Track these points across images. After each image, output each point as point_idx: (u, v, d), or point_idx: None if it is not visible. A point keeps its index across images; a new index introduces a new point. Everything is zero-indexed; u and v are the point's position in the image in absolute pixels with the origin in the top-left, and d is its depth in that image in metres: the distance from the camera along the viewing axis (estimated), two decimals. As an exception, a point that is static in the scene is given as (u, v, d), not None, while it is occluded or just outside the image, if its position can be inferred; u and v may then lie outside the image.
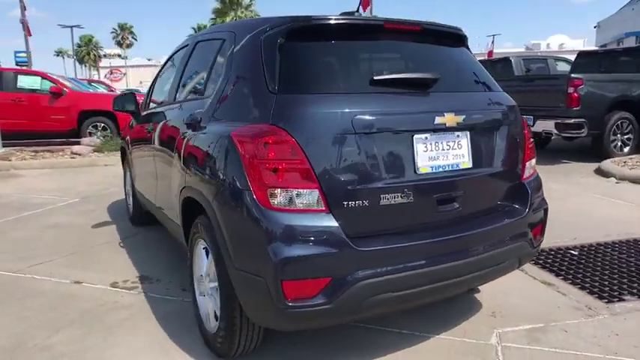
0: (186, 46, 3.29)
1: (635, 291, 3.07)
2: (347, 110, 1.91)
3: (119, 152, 8.87)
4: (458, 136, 2.16)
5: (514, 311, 2.82)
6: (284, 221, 1.82)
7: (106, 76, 68.26)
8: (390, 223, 2.00)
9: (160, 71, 3.96)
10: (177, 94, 3.10)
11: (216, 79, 2.45)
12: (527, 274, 3.35)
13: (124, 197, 5.74)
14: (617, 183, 6.11)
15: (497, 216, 2.30)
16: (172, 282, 3.27)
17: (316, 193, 1.85)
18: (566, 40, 64.48)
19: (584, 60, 9.33)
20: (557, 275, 3.35)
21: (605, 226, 4.36)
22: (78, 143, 9.83)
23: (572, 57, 10.19)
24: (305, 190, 1.85)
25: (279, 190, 1.84)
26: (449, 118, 2.08)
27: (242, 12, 43.41)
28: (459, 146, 2.16)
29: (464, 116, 2.13)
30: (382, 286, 1.91)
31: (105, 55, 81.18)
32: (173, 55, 3.69)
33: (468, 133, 2.18)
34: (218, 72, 2.48)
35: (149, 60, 79.96)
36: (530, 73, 10.52)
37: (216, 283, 2.27)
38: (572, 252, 3.77)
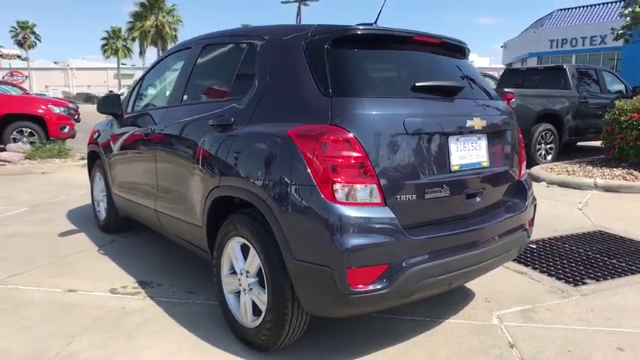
0: (187, 48, 3.30)
1: (592, 276, 3.55)
2: (399, 112, 2.12)
3: (55, 159, 8.43)
4: (479, 138, 2.44)
5: (503, 297, 3.16)
6: (348, 214, 1.97)
7: (4, 77, 62.58)
8: (432, 214, 2.23)
9: (145, 74, 3.89)
10: (185, 96, 3.10)
11: (248, 81, 2.54)
12: (502, 266, 3.74)
13: (78, 205, 5.51)
14: (547, 187, 6.88)
15: (506, 209, 2.61)
16: (174, 285, 3.24)
17: (375, 187, 2.03)
18: (475, 58, 69.81)
19: (509, 76, 10.35)
20: (527, 265, 3.77)
21: (550, 223, 4.93)
22: (2, 150, 9.05)
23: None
24: (365, 185, 2.01)
25: (343, 185, 1.99)
26: (476, 122, 2.36)
27: (163, 16, 42.04)
28: (480, 147, 2.45)
29: (486, 121, 2.42)
30: (430, 271, 2.12)
31: (1, 56, 74.25)
32: (165, 58, 3.66)
33: (486, 135, 2.48)
34: (248, 75, 2.57)
35: (56, 63, 74.44)
36: None
37: (256, 279, 2.35)
38: (532, 246, 4.24)
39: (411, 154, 2.14)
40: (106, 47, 61.28)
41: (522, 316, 2.87)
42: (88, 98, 47.19)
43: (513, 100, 7.77)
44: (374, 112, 2.09)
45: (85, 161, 8.39)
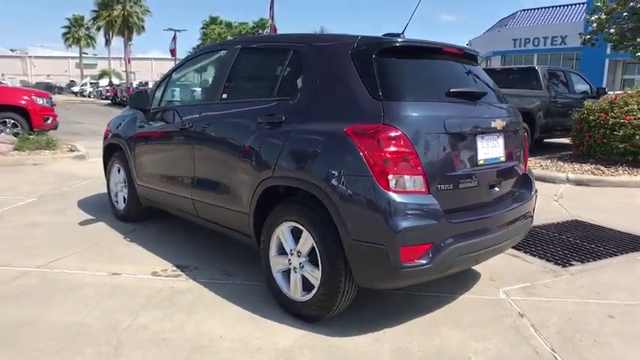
0: (222, 50, 3.57)
1: (577, 258, 4.04)
2: (439, 114, 2.50)
3: (44, 150, 8.41)
4: (498, 136, 2.84)
5: (504, 276, 3.60)
6: (400, 200, 2.33)
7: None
8: (464, 201, 2.62)
9: (172, 72, 4.10)
10: (225, 95, 3.35)
11: (296, 84, 2.85)
12: (499, 250, 4.20)
13: (85, 196, 5.66)
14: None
15: (516, 199, 3.03)
16: (210, 268, 3.51)
17: (421, 178, 2.39)
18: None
19: None
20: (519, 250, 4.23)
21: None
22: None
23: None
24: (414, 176, 2.38)
25: (395, 176, 2.34)
26: (498, 123, 2.77)
27: (131, 6, 41.06)
28: (498, 144, 2.85)
29: (504, 122, 2.83)
30: (463, 250, 2.51)
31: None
32: (195, 57, 3.89)
33: (503, 134, 2.88)
34: (295, 78, 2.87)
35: (13, 50, 71.45)
36: None
37: (305, 258, 2.68)
38: (521, 232, 4.73)
39: (449, 150, 2.52)
40: (67, 36, 59.27)
41: (525, 292, 3.31)
42: (47, 88, 45.68)
43: None
44: (419, 114, 2.45)
45: (77, 152, 8.47)
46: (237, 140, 3.08)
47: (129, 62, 45.59)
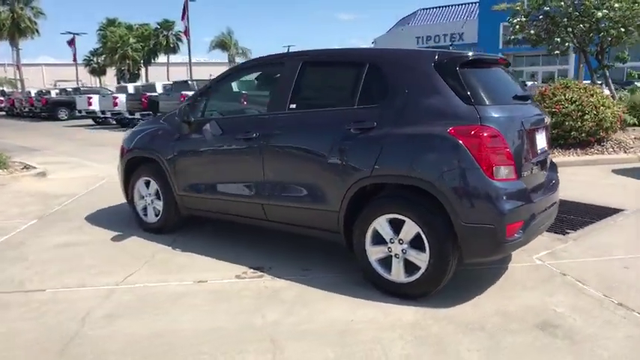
0: (277, 63, 3.89)
1: (568, 227, 4.84)
2: (517, 114, 3.06)
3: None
4: (542, 130, 3.47)
5: (527, 248, 4.25)
6: (503, 187, 2.85)
7: None
8: (534, 184, 3.21)
9: (213, 85, 4.27)
10: (293, 105, 3.61)
11: (380, 93, 3.23)
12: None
13: (89, 213, 5.49)
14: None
15: (554, 183, 3.67)
16: (286, 266, 3.76)
17: (513, 167, 2.93)
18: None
19: None
20: (520, 224, 4.98)
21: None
22: None
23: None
24: (509, 166, 2.91)
25: (497, 167, 2.86)
26: (547, 119, 3.39)
27: (21, 7, 37.35)
28: (543, 137, 3.48)
29: (546, 119, 3.46)
30: (537, 224, 3.12)
31: None
32: (240, 71, 4.09)
33: (545, 128, 3.51)
34: (377, 88, 3.25)
35: None
36: None
37: (408, 245, 3.09)
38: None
39: (526, 143, 3.09)
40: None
41: (552, 257, 4.00)
42: None
43: None
44: (505, 115, 2.98)
45: (36, 170, 7.95)
46: (320, 145, 3.40)
47: (18, 69, 41.56)
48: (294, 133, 3.59)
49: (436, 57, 3.14)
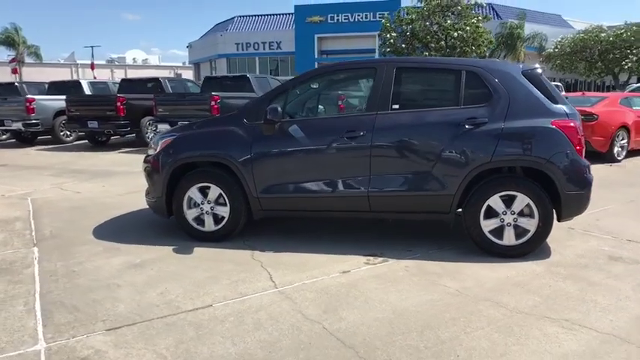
0: (370, 68, 4.35)
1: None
2: (575, 110, 4.19)
3: None
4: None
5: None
6: (587, 164, 3.97)
7: None
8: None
9: (291, 88, 4.43)
10: (396, 105, 4.12)
11: (483, 95, 4.02)
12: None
13: (86, 236, 4.84)
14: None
15: None
16: (393, 250, 4.20)
17: (583, 149, 4.05)
18: (144, 55, 69.71)
19: (209, 83, 13.22)
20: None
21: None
22: None
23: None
24: (583, 149, 4.03)
25: (581, 149, 3.96)
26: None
27: None
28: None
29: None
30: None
31: None
32: (326, 74, 4.41)
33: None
34: (479, 91, 4.03)
35: None
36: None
37: (516, 216, 3.97)
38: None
39: (581, 130, 4.26)
40: None
41: (574, 238, 5.22)
42: None
43: (219, 100, 10.36)
44: (575, 111, 4.09)
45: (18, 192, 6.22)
46: (434, 139, 4.03)
47: None
48: (405, 130, 4.10)
49: (521, 67, 4.11)
